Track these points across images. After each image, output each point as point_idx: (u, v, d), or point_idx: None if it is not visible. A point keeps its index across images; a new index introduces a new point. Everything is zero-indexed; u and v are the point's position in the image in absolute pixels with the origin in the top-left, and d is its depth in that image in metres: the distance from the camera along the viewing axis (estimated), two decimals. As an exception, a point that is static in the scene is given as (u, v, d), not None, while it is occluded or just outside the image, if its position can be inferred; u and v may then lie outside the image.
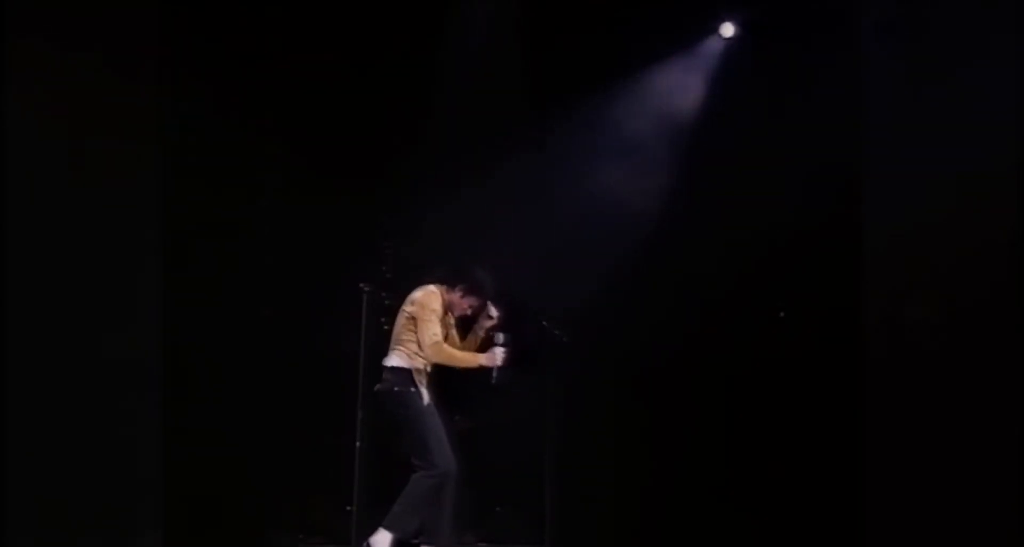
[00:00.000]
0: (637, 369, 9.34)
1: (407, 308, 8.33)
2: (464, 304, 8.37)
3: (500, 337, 8.26)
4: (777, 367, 9.16)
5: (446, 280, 8.36)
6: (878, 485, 8.24)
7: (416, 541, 8.36)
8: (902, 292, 8.24)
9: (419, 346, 8.23)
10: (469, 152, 9.32)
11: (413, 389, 8.27)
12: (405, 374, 8.28)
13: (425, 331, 8.21)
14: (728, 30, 9.49)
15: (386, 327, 9.00)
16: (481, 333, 8.41)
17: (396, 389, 8.27)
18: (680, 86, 9.59)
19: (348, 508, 8.77)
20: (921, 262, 8.12)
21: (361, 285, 8.82)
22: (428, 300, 8.29)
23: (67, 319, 7.45)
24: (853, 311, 8.60)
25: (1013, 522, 7.61)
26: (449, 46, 9.34)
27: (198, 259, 8.55)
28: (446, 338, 8.35)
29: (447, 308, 8.37)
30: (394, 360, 8.33)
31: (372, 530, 8.38)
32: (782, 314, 9.36)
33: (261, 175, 9.00)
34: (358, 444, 8.61)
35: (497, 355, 8.20)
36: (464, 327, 8.47)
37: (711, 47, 9.56)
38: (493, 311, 8.33)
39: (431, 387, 8.36)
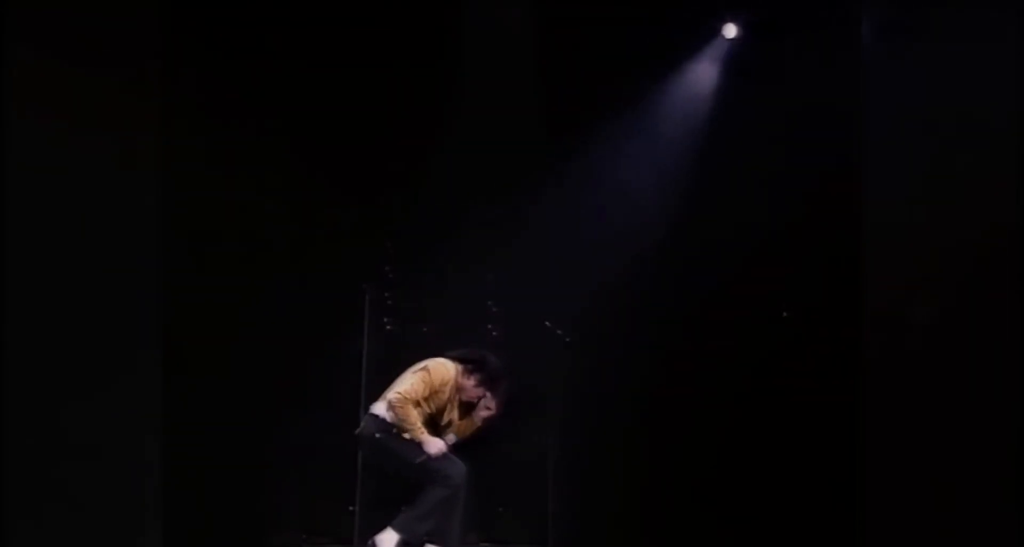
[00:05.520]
0: (639, 369, 9.33)
1: (416, 366, 8.44)
2: (475, 393, 8.48)
3: (452, 437, 8.43)
4: (780, 367, 9.16)
5: (465, 363, 8.45)
6: (878, 485, 8.23)
7: (420, 542, 8.38)
8: (902, 292, 8.22)
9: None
10: (472, 152, 9.32)
11: (395, 430, 8.31)
12: (387, 425, 8.33)
13: (406, 384, 8.33)
14: (731, 31, 9.49)
15: (389, 327, 9.03)
16: (478, 422, 8.54)
17: (377, 436, 8.33)
18: (682, 86, 9.59)
19: (351, 508, 8.81)
20: (921, 261, 8.11)
21: (364, 285, 8.85)
22: (436, 370, 8.42)
23: (67, 318, 7.46)
24: (854, 311, 8.59)
25: (1013, 522, 7.60)
26: (456, 48, 9.35)
27: (199, 258, 8.57)
28: (449, 418, 8.48)
29: (458, 389, 8.47)
30: (380, 409, 8.38)
31: (376, 530, 8.38)
32: (785, 314, 9.35)
33: (264, 174, 9.01)
34: (361, 444, 8.66)
35: (437, 447, 8.30)
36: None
37: (714, 48, 9.55)
38: (495, 406, 8.47)
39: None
